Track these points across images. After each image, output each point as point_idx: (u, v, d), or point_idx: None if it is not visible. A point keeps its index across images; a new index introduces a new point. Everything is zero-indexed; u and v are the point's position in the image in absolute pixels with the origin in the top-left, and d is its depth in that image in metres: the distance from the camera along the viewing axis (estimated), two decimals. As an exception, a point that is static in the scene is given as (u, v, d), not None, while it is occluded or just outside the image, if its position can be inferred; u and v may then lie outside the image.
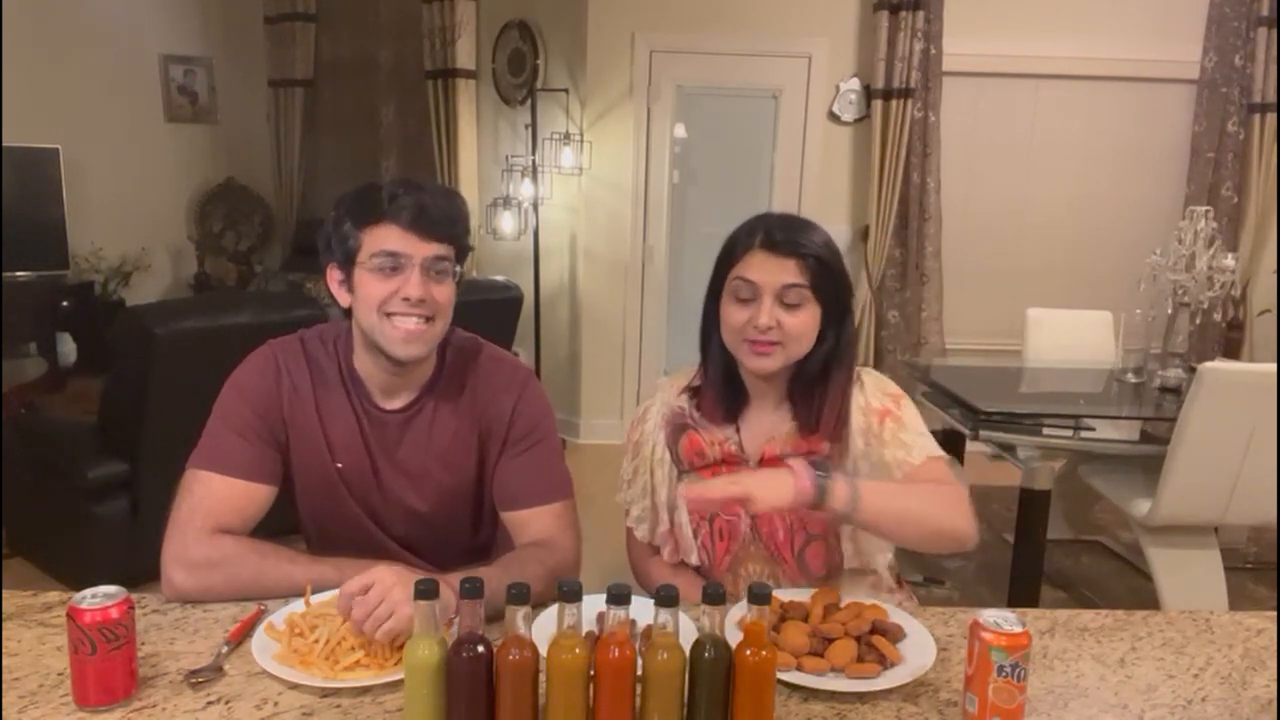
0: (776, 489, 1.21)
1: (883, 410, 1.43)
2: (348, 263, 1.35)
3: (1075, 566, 3.49)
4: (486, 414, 1.46)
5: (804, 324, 1.37)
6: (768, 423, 1.47)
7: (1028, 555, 2.82)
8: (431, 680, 0.97)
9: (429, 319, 1.35)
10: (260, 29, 5.82)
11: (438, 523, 1.49)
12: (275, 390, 1.41)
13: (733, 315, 1.39)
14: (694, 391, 1.50)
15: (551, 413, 1.52)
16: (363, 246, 1.33)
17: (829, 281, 1.38)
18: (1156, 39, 4.56)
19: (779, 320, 1.36)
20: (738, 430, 1.48)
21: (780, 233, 1.37)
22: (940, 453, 1.42)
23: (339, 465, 1.44)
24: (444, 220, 1.34)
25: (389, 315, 1.33)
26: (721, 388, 1.47)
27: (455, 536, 1.52)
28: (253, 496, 1.37)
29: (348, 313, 1.40)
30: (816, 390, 1.42)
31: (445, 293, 1.36)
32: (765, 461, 1.44)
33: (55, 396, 4.33)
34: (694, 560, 1.50)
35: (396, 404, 1.44)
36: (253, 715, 1.05)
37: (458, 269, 1.38)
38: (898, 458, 1.39)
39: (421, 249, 1.32)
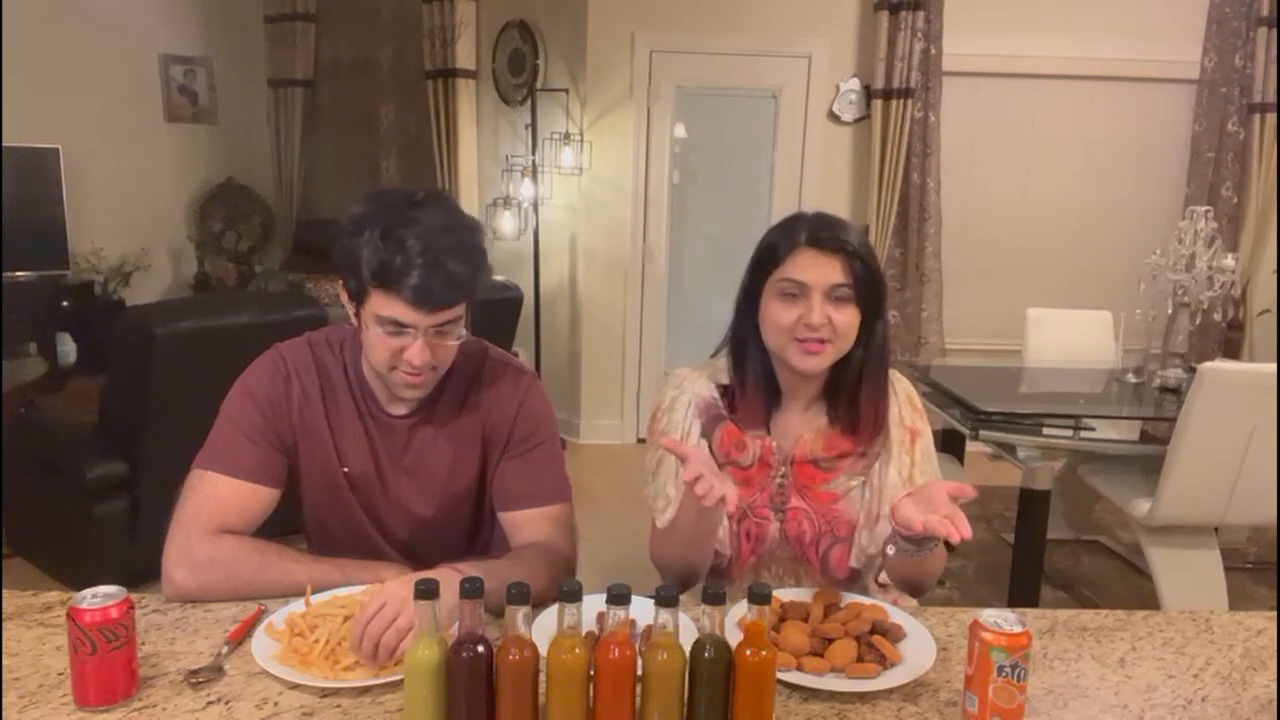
0: None
1: (913, 429, 1.47)
2: (356, 300, 1.32)
3: (1075, 566, 3.49)
4: (490, 418, 1.46)
5: (851, 320, 1.38)
6: (797, 423, 1.48)
7: (1028, 555, 2.82)
8: (431, 680, 0.97)
9: (433, 368, 1.35)
10: (260, 29, 5.81)
11: (439, 526, 1.49)
12: (285, 396, 1.41)
13: (780, 314, 1.38)
14: (724, 389, 1.50)
15: (553, 416, 1.52)
16: (370, 299, 1.29)
17: (869, 279, 1.38)
18: (1156, 39, 4.56)
19: (829, 317, 1.36)
20: (768, 432, 1.48)
21: (824, 231, 1.38)
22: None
23: (346, 470, 1.44)
24: (454, 291, 1.30)
25: (393, 369, 1.33)
26: (758, 390, 1.46)
27: (455, 540, 1.52)
28: (257, 499, 1.37)
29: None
30: (854, 388, 1.43)
31: (449, 348, 1.35)
32: (795, 463, 1.46)
33: (55, 396, 4.31)
34: (725, 550, 1.48)
35: (404, 410, 1.45)
36: (253, 715, 1.05)
37: (463, 330, 1.36)
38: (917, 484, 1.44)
39: (426, 320, 1.29)
